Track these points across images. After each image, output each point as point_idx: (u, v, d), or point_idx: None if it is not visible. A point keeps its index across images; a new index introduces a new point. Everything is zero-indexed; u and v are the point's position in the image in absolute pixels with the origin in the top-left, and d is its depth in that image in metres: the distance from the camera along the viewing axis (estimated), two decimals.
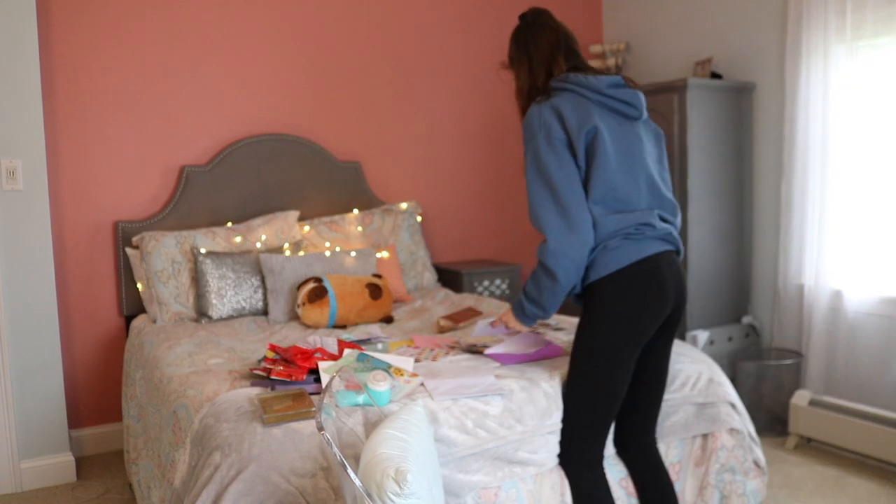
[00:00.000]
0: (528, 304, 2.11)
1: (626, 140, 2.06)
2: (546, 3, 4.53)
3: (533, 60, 2.17)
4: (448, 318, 2.97)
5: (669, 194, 2.15)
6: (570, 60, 2.15)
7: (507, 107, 4.51)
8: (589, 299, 2.04)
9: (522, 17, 2.26)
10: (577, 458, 2.08)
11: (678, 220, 2.14)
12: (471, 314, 3.02)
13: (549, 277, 2.00)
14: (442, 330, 2.90)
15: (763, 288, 3.91)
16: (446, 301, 3.52)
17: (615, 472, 2.21)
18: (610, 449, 2.20)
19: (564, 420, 2.09)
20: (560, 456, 2.09)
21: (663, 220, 2.09)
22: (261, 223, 3.59)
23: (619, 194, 2.02)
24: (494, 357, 2.37)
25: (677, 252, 2.12)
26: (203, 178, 3.61)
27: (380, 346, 2.52)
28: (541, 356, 2.37)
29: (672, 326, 2.12)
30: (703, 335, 3.67)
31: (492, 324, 2.35)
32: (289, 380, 2.11)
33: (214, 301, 3.22)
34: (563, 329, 2.72)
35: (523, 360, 2.34)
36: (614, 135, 2.03)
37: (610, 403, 2.05)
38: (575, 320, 2.55)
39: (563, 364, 2.27)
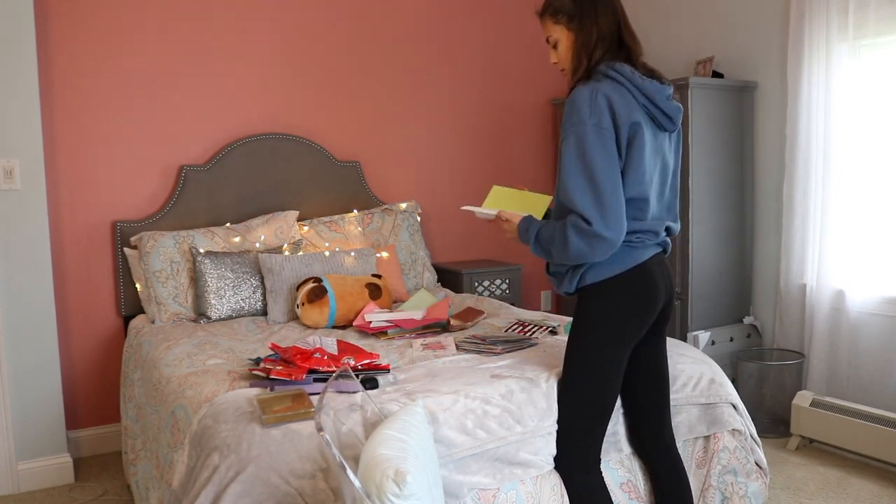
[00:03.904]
0: (534, 245, 2.00)
1: (655, 150, 1.99)
2: None
3: (600, 23, 1.96)
4: (457, 317, 3.00)
5: (676, 204, 2.13)
6: (626, 43, 2.00)
7: (508, 106, 4.51)
8: (581, 302, 2.03)
9: None
10: (573, 461, 2.06)
11: (677, 226, 2.12)
12: (474, 314, 3.03)
13: (581, 245, 1.88)
14: (453, 329, 2.91)
15: (765, 288, 3.90)
16: None
17: (616, 477, 2.19)
18: (608, 453, 2.18)
19: (559, 423, 2.08)
20: (556, 459, 2.08)
21: (667, 229, 2.08)
22: (260, 223, 3.57)
23: (639, 202, 1.96)
24: (398, 322, 2.86)
25: (665, 251, 2.12)
26: (202, 177, 3.60)
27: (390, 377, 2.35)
28: (429, 321, 2.85)
29: (662, 323, 2.12)
30: (704, 335, 3.66)
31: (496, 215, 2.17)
32: (288, 380, 2.10)
33: (213, 301, 3.20)
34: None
35: (416, 325, 2.81)
36: (650, 142, 1.96)
37: (602, 406, 2.04)
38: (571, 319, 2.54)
39: (560, 364, 2.26)
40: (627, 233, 1.94)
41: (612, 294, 1.98)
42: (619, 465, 2.21)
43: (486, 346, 2.51)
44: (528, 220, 2.05)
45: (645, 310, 2.00)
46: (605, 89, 1.89)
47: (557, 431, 2.08)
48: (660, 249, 2.08)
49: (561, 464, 2.07)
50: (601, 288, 1.98)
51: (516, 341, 2.54)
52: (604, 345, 1.99)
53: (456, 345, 2.60)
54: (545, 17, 2.06)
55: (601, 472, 2.09)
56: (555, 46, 2.07)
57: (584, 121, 1.87)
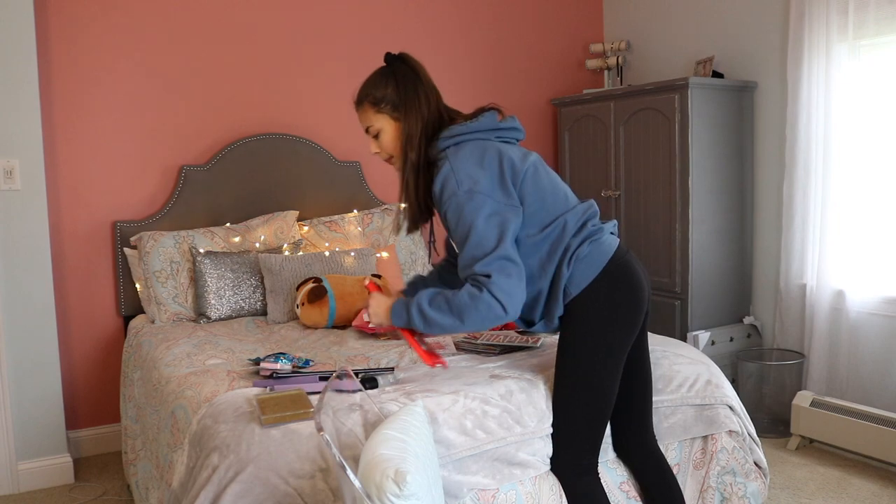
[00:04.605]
0: (430, 318, 1.90)
1: (529, 159, 2.03)
2: (546, 2, 4.54)
3: (422, 108, 2.01)
4: None
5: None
6: (444, 116, 2.07)
7: (508, 105, 4.49)
8: (572, 314, 1.97)
9: (399, 59, 2.10)
10: (572, 465, 2.04)
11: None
12: None
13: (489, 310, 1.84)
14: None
15: (765, 288, 3.90)
16: None
17: (614, 476, 2.19)
18: (609, 453, 2.18)
19: (557, 427, 2.06)
20: (553, 462, 2.06)
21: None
22: (260, 223, 3.57)
23: (563, 198, 2.01)
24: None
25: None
26: (202, 177, 3.60)
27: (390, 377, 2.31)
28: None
29: (645, 320, 2.10)
30: (704, 335, 3.66)
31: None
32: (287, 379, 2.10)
33: (213, 301, 3.20)
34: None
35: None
36: (517, 159, 1.98)
37: (605, 409, 2.02)
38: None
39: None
40: (580, 226, 1.95)
41: (604, 291, 1.93)
42: (617, 465, 2.20)
43: (485, 346, 2.50)
44: (401, 301, 1.96)
45: (639, 300, 1.97)
46: (464, 162, 1.90)
47: (556, 437, 2.07)
48: (617, 240, 2.08)
49: (559, 467, 2.05)
50: (590, 290, 1.93)
51: (517, 348, 2.52)
52: (606, 345, 1.96)
53: (455, 345, 2.60)
54: (364, 106, 2.04)
55: (598, 474, 2.08)
56: (376, 136, 2.06)
57: (454, 192, 1.88)
